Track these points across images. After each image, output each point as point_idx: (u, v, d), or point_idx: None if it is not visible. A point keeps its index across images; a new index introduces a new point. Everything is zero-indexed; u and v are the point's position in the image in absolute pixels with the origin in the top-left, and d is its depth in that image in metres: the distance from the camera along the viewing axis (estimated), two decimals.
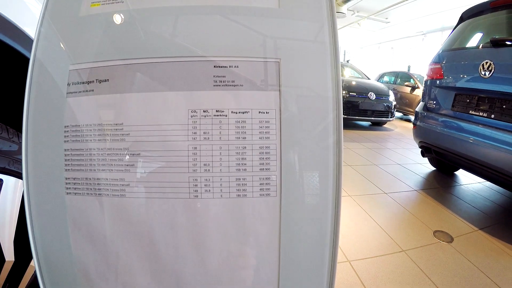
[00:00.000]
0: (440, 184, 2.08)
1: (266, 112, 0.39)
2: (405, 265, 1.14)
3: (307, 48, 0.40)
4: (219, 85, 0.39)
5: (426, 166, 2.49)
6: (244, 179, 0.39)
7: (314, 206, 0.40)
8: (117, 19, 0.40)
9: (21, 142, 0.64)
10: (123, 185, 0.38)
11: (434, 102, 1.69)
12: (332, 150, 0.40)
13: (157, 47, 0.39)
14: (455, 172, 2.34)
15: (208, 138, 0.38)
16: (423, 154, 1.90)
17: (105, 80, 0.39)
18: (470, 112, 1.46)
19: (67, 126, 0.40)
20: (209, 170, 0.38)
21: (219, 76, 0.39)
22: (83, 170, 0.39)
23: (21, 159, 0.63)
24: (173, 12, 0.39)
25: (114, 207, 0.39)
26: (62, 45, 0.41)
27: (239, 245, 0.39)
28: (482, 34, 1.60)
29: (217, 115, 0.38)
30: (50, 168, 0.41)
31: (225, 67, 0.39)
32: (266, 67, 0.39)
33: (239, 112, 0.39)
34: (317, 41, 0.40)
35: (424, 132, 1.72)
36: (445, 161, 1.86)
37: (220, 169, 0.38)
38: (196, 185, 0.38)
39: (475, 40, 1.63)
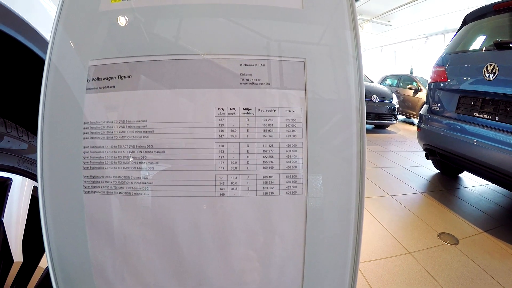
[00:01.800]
0: (444, 186, 2.11)
1: (293, 111, 0.39)
2: (411, 267, 1.14)
3: (330, 49, 0.40)
4: (246, 83, 0.38)
5: (430, 169, 2.52)
6: (271, 176, 0.38)
7: (338, 204, 0.40)
8: (141, 14, 0.39)
9: (31, 141, 0.62)
10: (146, 183, 0.38)
11: (439, 104, 1.71)
12: (355, 148, 0.40)
13: (183, 44, 0.38)
14: (459, 175, 2.37)
15: (235, 136, 0.38)
16: (427, 157, 1.92)
17: (128, 77, 0.38)
18: (474, 114, 1.47)
19: (87, 122, 0.39)
20: (236, 168, 0.37)
21: (246, 74, 0.38)
22: (103, 168, 0.38)
23: (30, 158, 0.61)
24: (199, 9, 0.39)
25: (136, 206, 0.38)
26: (81, 41, 0.40)
27: (265, 243, 0.39)
28: (485, 36, 1.62)
29: (244, 113, 0.38)
30: (68, 166, 0.40)
31: (251, 65, 0.39)
32: (291, 66, 0.39)
33: (266, 110, 0.38)
34: (339, 43, 0.41)
35: (429, 134, 1.74)
36: (449, 164, 1.88)
37: (247, 167, 0.38)
38: (222, 183, 0.37)
39: (478, 42, 1.66)
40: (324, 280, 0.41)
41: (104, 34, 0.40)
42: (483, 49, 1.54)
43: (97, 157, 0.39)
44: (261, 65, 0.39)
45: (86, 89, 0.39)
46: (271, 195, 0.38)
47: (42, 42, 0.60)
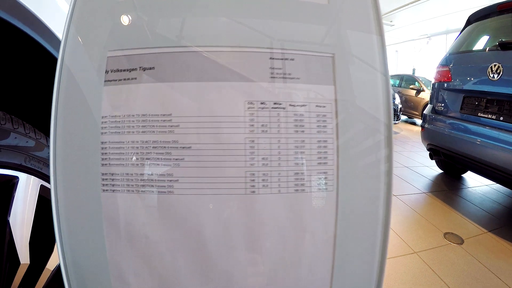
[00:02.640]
0: (448, 186, 2.12)
1: (323, 106, 0.37)
2: (417, 267, 1.14)
3: (356, 45, 0.39)
4: (276, 77, 0.37)
5: (433, 169, 2.53)
6: (302, 173, 0.36)
7: (367, 202, 0.39)
8: (165, 3, 0.37)
9: (38, 138, 0.60)
10: (171, 181, 0.35)
11: (443, 104, 1.72)
12: (383, 145, 0.38)
13: (210, 36, 0.36)
14: (462, 175, 2.38)
15: (266, 131, 0.36)
16: (431, 157, 1.92)
17: (151, 68, 0.36)
18: (479, 114, 1.47)
19: (105, 116, 0.37)
20: (267, 164, 0.35)
21: (276, 68, 0.37)
22: (123, 164, 0.36)
23: (38, 156, 0.58)
24: (227, 1, 0.37)
25: (160, 205, 0.36)
26: (98, 30, 0.38)
27: (296, 242, 0.37)
28: (489, 37, 1.63)
29: (275, 108, 0.36)
30: (83, 163, 0.37)
31: (281, 59, 0.37)
32: (320, 61, 0.38)
33: (297, 105, 0.37)
34: (365, 39, 0.39)
35: (433, 134, 1.74)
36: (453, 164, 1.88)
37: (279, 163, 0.36)
38: (253, 180, 0.35)
39: (482, 43, 1.66)
40: (352, 278, 0.40)
41: (124, 23, 0.38)
42: (488, 49, 1.55)
43: (116, 153, 0.36)
44: (290, 59, 0.37)
45: (105, 81, 0.37)
46: (302, 192, 0.36)
47: (49, 33, 0.57)
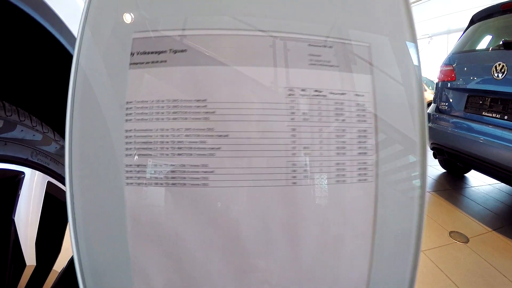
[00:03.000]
0: (451, 186, 2.14)
1: (362, 95, 0.36)
2: (424, 265, 1.14)
3: (391, 36, 0.38)
4: (315, 64, 0.35)
5: (436, 168, 2.55)
6: (343, 163, 0.34)
7: (403, 194, 0.37)
8: None
9: (45, 132, 0.56)
10: (205, 172, 0.32)
11: (446, 104, 1.73)
12: (418, 136, 0.37)
13: (247, 19, 0.34)
14: (465, 174, 2.39)
15: (307, 119, 0.33)
16: (435, 156, 1.93)
17: (182, 51, 0.34)
18: (483, 113, 1.48)
19: (130, 102, 0.34)
20: (309, 153, 0.33)
21: (314, 55, 0.35)
22: (151, 155, 0.33)
23: (45, 151, 0.55)
24: None
25: (193, 198, 0.33)
26: (122, 9, 0.35)
27: (337, 235, 0.35)
28: (493, 36, 1.64)
29: (316, 95, 0.34)
30: (104, 154, 0.34)
31: (319, 46, 0.35)
32: (357, 50, 0.36)
33: (337, 93, 0.35)
34: (398, 31, 0.38)
35: (437, 133, 1.74)
36: (457, 163, 1.89)
37: (321, 153, 0.34)
38: (295, 170, 0.33)
39: (486, 42, 1.67)
40: (389, 271, 0.38)
41: (152, 3, 0.35)
42: (491, 49, 1.55)
43: (143, 142, 0.33)
44: (329, 46, 0.35)
45: (130, 63, 0.34)
46: (343, 183, 0.34)
47: (58, 21, 0.54)
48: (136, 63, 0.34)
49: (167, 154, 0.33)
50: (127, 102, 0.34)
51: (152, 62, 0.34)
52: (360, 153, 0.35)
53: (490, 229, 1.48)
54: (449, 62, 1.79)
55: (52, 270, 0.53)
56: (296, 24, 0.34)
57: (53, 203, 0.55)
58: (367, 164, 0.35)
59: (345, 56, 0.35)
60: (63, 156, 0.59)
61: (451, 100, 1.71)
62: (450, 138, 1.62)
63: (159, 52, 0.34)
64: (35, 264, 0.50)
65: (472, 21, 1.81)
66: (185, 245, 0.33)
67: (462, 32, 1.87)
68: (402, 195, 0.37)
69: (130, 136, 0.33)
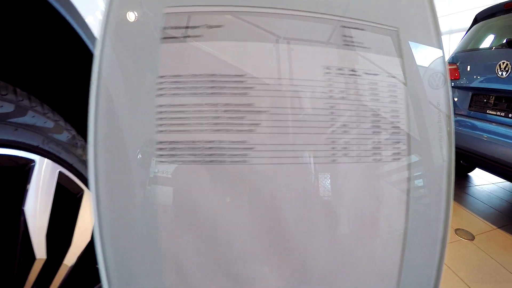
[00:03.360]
0: (455, 184, 2.12)
1: (393, 77, 0.36)
2: None
3: (418, 21, 0.39)
4: (349, 45, 0.35)
5: None
6: (379, 142, 0.34)
7: (432, 172, 0.37)
8: None
9: (57, 120, 0.53)
10: (245, 148, 0.31)
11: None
12: (444, 115, 0.38)
13: None
14: (468, 173, 2.37)
15: (344, 97, 0.33)
16: None
17: (218, 26, 0.33)
18: (487, 112, 1.44)
19: (163, 76, 0.32)
20: (347, 131, 0.33)
21: (348, 36, 0.35)
22: (187, 130, 0.31)
23: (56, 139, 0.52)
24: None
25: (232, 176, 0.31)
26: None
27: (373, 213, 0.34)
28: (497, 35, 1.62)
29: (352, 74, 0.34)
30: (134, 130, 0.32)
31: (352, 28, 0.35)
32: (387, 33, 0.37)
33: (371, 74, 0.35)
34: (423, 17, 0.39)
35: None
36: (461, 161, 1.86)
37: (358, 131, 0.33)
38: (333, 148, 0.32)
39: (489, 41, 1.65)
40: (420, 252, 0.37)
41: None
42: (495, 47, 1.53)
43: (178, 118, 0.32)
44: (361, 29, 0.36)
45: (162, 38, 0.33)
46: (379, 161, 0.34)
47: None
48: (169, 37, 0.33)
49: (204, 130, 0.31)
50: (160, 77, 0.32)
51: (186, 36, 0.32)
52: (394, 133, 0.35)
53: (495, 227, 1.49)
54: (453, 60, 1.76)
55: (62, 264, 0.49)
56: (331, 4, 0.35)
57: (63, 194, 0.52)
58: (400, 143, 0.35)
59: (376, 39, 0.36)
60: (74, 146, 0.56)
61: (455, 99, 1.67)
62: (455, 137, 1.58)
63: (193, 27, 0.33)
64: (45, 257, 0.46)
65: (476, 20, 1.77)
66: (221, 227, 0.32)
67: (466, 31, 1.83)
68: (430, 173, 0.37)
69: (163, 112, 0.32)
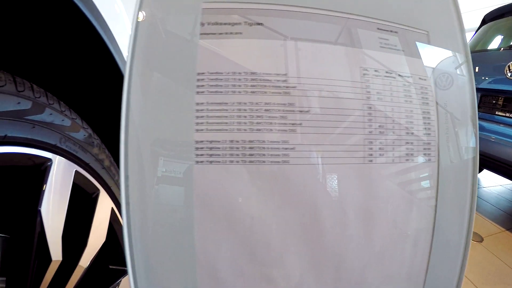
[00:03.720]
0: None
1: (424, 79, 0.37)
2: None
3: (445, 26, 0.39)
4: (384, 47, 0.35)
5: None
6: (411, 143, 0.34)
7: (458, 173, 0.38)
8: None
9: (74, 118, 0.51)
10: (286, 148, 0.31)
11: None
12: (470, 121, 0.38)
13: None
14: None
15: (381, 98, 0.33)
16: None
17: (258, 24, 0.32)
18: (496, 113, 1.42)
19: (202, 73, 0.31)
20: (383, 132, 0.33)
21: (383, 39, 0.35)
22: (227, 130, 0.31)
23: (74, 137, 0.50)
24: None
25: (273, 177, 0.30)
26: None
27: (405, 213, 0.34)
28: (505, 36, 1.60)
29: (387, 76, 0.34)
30: (169, 128, 0.31)
31: (387, 31, 0.35)
32: (418, 37, 0.37)
33: (405, 76, 0.35)
34: (448, 22, 0.40)
35: None
36: None
37: (393, 132, 0.33)
38: (371, 148, 0.32)
39: (498, 42, 1.62)
40: (445, 254, 0.38)
41: None
42: (504, 48, 1.51)
43: (217, 116, 0.31)
44: (395, 32, 0.36)
45: (200, 34, 0.32)
46: (411, 162, 0.34)
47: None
48: (208, 34, 0.32)
49: (245, 130, 0.30)
50: (199, 74, 0.31)
51: (226, 33, 0.32)
52: (426, 134, 0.35)
53: (503, 229, 1.48)
54: None
55: (78, 266, 0.47)
56: (366, 7, 0.35)
57: (79, 194, 0.50)
58: (431, 145, 0.36)
59: (408, 42, 0.36)
60: (91, 144, 0.54)
61: None
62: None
63: (233, 24, 0.32)
64: (61, 259, 0.44)
65: (484, 21, 1.73)
66: (260, 229, 0.31)
67: (474, 32, 1.79)
68: (456, 174, 0.38)
69: (202, 110, 0.31)
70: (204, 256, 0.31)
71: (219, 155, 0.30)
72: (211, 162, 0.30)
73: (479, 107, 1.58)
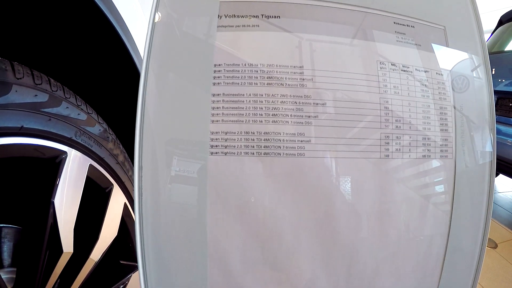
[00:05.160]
0: None
1: (441, 74, 0.35)
2: None
3: (463, 21, 0.38)
4: (401, 41, 0.33)
5: None
6: (428, 138, 0.32)
7: (476, 171, 0.35)
8: None
9: (90, 113, 0.50)
10: (302, 141, 0.29)
11: None
12: (488, 118, 0.36)
13: None
14: None
15: (398, 92, 0.32)
16: None
17: (275, 17, 0.31)
18: None
19: (219, 65, 0.30)
20: (399, 127, 0.31)
21: (400, 33, 0.34)
22: (242, 121, 0.29)
23: (89, 131, 0.49)
24: None
25: (288, 169, 0.29)
26: None
27: (420, 214, 0.32)
28: None
29: (404, 70, 0.32)
30: (186, 120, 0.29)
31: (403, 25, 0.34)
32: (435, 32, 0.36)
33: (421, 70, 0.34)
34: (465, 17, 0.38)
35: None
36: None
37: (410, 127, 0.31)
38: (387, 143, 0.30)
39: None
40: (460, 255, 0.36)
41: None
42: None
43: (233, 108, 0.29)
44: (412, 26, 0.34)
45: (218, 26, 0.31)
46: (428, 158, 0.32)
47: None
48: (225, 26, 0.31)
49: (261, 121, 0.29)
50: (215, 65, 0.30)
51: (243, 25, 0.30)
52: (442, 130, 0.33)
53: None
54: None
55: (88, 259, 0.45)
56: (383, 1, 0.33)
57: (93, 188, 0.49)
58: (448, 141, 0.34)
59: (425, 37, 0.35)
60: (106, 139, 0.53)
61: None
62: None
63: (250, 16, 0.31)
64: (72, 251, 0.42)
65: (501, 22, 1.65)
66: (274, 221, 0.29)
67: (490, 34, 1.72)
68: (474, 172, 0.36)
69: (218, 101, 0.29)
70: (215, 249, 0.29)
71: (234, 146, 0.29)
72: (225, 153, 0.29)
73: (496, 110, 1.50)
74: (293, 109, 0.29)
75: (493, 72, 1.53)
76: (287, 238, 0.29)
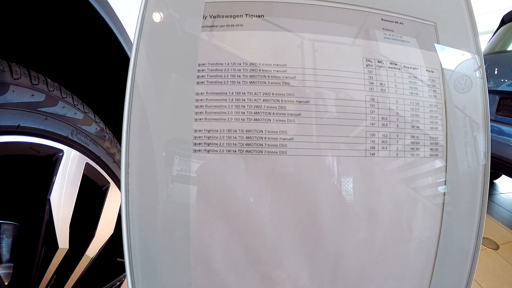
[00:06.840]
0: None
1: (431, 71, 0.33)
2: None
3: (455, 17, 0.36)
4: (389, 38, 0.32)
5: None
6: (417, 137, 0.31)
7: (470, 171, 0.34)
8: None
9: (86, 112, 0.50)
10: (284, 139, 0.28)
11: None
12: (481, 112, 0.34)
13: None
14: (494, 181, 2.13)
15: (384, 90, 0.30)
16: None
17: (259, 16, 0.30)
18: None
19: (203, 64, 0.29)
20: (386, 124, 0.29)
21: (388, 30, 0.32)
22: (225, 119, 0.28)
23: (85, 130, 0.49)
24: None
25: (270, 167, 0.28)
26: None
27: (409, 210, 0.31)
28: None
29: (392, 67, 0.31)
30: (170, 118, 0.29)
31: (391, 21, 0.32)
32: (425, 28, 0.34)
33: (410, 67, 0.32)
34: (457, 14, 0.36)
35: None
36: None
37: (397, 124, 0.30)
38: (373, 141, 0.29)
39: None
40: (452, 257, 0.34)
41: None
42: None
43: (215, 106, 0.28)
44: (400, 23, 0.33)
45: (202, 26, 0.30)
46: (417, 156, 0.31)
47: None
48: (210, 26, 0.30)
49: (243, 119, 0.28)
50: (199, 64, 0.29)
51: (227, 25, 0.30)
52: (432, 128, 0.32)
53: None
54: None
55: (84, 255, 0.45)
56: None
57: (89, 186, 0.49)
58: (438, 139, 0.32)
59: (415, 33, 0.33)
60: (102, 138, 0.53)
61: None
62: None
63: (234, 16, 0.30)
64: (67, 247, 0.42)
65: (503, 22, 1.59)
66: (256, 220, 0.28)
67: (493, 33, 1.65)
68: (467, 172, 0.34)
69: (201, 100, 0.29)
70: (199, 246, 0.28)
71: (216, 144, 0.28)
72: (208, 151, 0.28)
73: (498, 110, 1.41)
74: (276, 107, 0.28)
75: (496, 72, 1.47)
76: (270, 236, 0.28)
